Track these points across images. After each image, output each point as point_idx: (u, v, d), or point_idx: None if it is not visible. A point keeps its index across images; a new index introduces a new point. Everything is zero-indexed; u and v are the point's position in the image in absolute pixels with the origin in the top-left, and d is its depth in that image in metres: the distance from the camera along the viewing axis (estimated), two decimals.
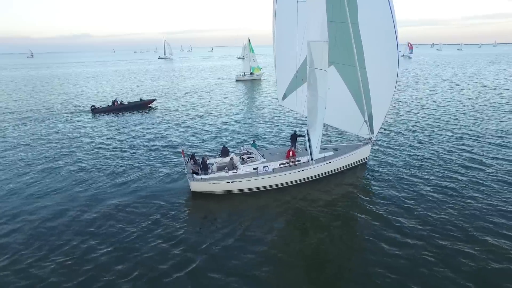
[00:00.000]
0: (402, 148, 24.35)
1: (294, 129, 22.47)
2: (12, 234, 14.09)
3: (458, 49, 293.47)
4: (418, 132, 28.28)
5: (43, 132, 30.49)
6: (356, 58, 18.82)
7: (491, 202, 15.97)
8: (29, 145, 26.64)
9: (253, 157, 18.80)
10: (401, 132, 28.24)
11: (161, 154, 23.98)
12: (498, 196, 16.53)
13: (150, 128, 31.55)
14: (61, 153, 24.41)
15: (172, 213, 15.55)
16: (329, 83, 20.96)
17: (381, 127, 21.58)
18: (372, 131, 20.93)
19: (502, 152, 22.80)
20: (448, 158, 21.87)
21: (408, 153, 23.29)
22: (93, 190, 18.20)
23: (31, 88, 65.11)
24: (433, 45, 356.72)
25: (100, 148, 25.70)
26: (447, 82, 61.63)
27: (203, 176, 17.06)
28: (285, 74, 23.15)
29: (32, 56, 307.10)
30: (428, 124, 30.78)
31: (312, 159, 18.14)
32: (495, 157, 21.81)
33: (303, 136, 18.82)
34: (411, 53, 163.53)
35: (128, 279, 11.31)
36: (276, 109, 38.32)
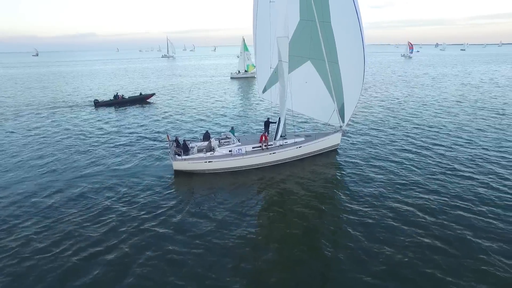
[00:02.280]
0: (372, 138, 26.48)
1: (268, 116, 24.73)
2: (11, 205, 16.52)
3: (462, 49, 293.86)
4: (389, 124, 30.42)
5: (49, 123, 33.15)
6: (324, 54, 20.84)
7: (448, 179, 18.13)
8: (38, 134, 29.25)
9: (229, 141, 21.10)
10: (372, 124, 30.38)
11: (154, 141, 26.50)
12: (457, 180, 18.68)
13: (147, 120, 34.12)
14: (67, 141, 26.85)
15: (157, 188, 17.81)
16: (306, 77, 23.31)
17: (358, 122, 23.67)
18: (343, 120, 23.06)
19: (457, 141, 24.92)
20: (411, 144, 24.05)
21: (376, 141, 25.41)
22: (93, 167, 20.99)
23: (36, 85, 68.08)
24: (437, 45, 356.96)
25: (101, 136, 28.27)
26: (432, 80, 63.75)
27: (184, 157, 19.39)
28: (264, 69, 25.30)
29: (37, 55, 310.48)
30: (399, 117, 32.94)
31: (275, 139, 20.47)
32: (450, 144, 23.93)
33: (275, 123, 21.08)
34: (411, 52, 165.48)
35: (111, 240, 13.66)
36: (262, 103, 40.79)
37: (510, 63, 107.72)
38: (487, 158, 21.21)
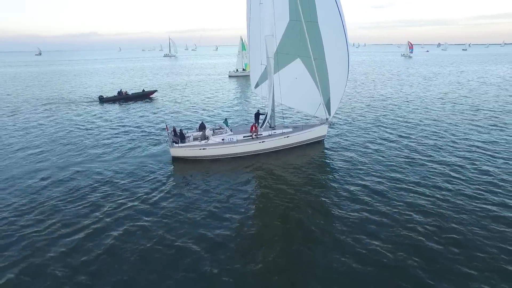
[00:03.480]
0: (357, 130, 28.33)
1: (258, 108, 26.65)
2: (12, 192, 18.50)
3: (463, 49, 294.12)
4: (372, 118, 32.28)
5: (58, 117, 35.22)
6: (311, 52, 22.62)
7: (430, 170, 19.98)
8: (47, 127, 31.30)
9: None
10: (358, 118, 32.24)
11: (154, 132, 28.66)
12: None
13: (149, 114, 36.24)
14: (74, 133, 28.79)
15: (156, 172, 19.76)
16: (296, 73, 25.14)
17: (345, 117, 25.42)
18: (329, 113, 24.88)
19: (437, 139, 26.75)
20: (391, 137, 25.90)
21: (360, 133, 27.28)
22: (100, 153, 23.05)
23: (41, 83, 70.50)
24: (439, 45, 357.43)
25: (106, 128, 30.37)
26: (422, 79, 65.70)
27: (180, 144, 21.32)
28: (256, 66, 27.15)
29: (40, 54, 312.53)
30: (382, 113, 34.85)
31: (260, 127, 22.70)
32: (432, 141, 25.77)
33: (265, 114, 22.98)
34: (411, 52, 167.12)
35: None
36: (256, 98, 42.83)
37: (507, 63, 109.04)
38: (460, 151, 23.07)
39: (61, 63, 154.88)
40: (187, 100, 44.28)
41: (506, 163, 20.17)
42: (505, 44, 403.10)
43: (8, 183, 18.51)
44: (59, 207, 15.80)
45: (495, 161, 20.55)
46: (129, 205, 15.84)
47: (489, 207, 15.08)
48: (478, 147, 23.26)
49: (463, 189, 16.90)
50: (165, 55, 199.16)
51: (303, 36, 22.26)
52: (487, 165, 19.85)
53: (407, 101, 41.24)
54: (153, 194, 16.99)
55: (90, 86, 63.11)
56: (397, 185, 17.42)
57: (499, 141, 24.60)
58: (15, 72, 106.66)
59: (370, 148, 23.45)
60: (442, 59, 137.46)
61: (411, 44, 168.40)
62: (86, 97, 48.86)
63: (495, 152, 22.07)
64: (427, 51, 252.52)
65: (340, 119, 32.00)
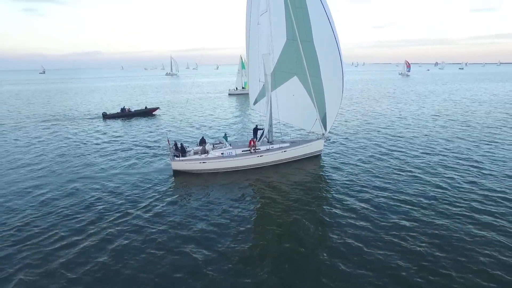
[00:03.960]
0: (352, 145, 29.24)
1: (256, 124, 27.62)
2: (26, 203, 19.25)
3: (460, 68, 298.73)
4: (367, 134, 33.22)
5: (62, 133, 36.29)
6: (307, 70, 23.74)
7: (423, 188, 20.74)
8: (52, 142, 32.22)
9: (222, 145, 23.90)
10: (354, 135, 33.19)
11: (157, 147, 29.56)
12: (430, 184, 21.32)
13: (151, 130, 37.28)
14: (78, 148, 29.75)
15: (157, 184, 20.57)
16: (293, 90, 26.21)
17: (341, 133, 26.38)
18: (325, 129, 25.80)
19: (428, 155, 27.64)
20: (384, 152, 26.77)
21: (356, 148, 28.17)
22: (103, 167, 23.83)
23: (45, 99, 72.02)
24: (436, 64, 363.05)
25: (109, 143, 31.31)
26: (416, 96, 67.51)
27: (181, 158, 22.16)
28: (255, 83, 28.32)
29: (44, 72, 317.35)
30: (377, 129, 35.83)
31: (258, 140, 23.73)
32: (423, 155, 26.64)
33: (262, 129, 23.93)
34: (409, 71, 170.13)
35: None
36: (254, 114, 44.05)
37: (501, 81, 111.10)
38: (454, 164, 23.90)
39: (64, 81, 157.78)
40: (188, 117, 45.56)
41: (492, 175, 20.98)
42: (501, 63, 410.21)
43: (10, 195, 19.24)
44: (61, 217, 16.47)
45: (482, 173, 21.37)
46: (130, 216, 16.53)
47: (475, 215, 15.82)
48: (465, 160, 24.16)
49: (454, 200, 17.65)
50: (167, 74, 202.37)
51: (300, 55, 23.29)
52: (475, 177, 20.65)
53: (400, 118, 42.36)
54: (154, 205, 17.66)
55: (93, 103, 64.61)
56: (390, 197, 18.18)
57: (487, 155, 25.47)
58: (18, 89, 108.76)
59: (365, 162, 24.26)
60: (438, 78, 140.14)
61: (408, 63, 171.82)
62: (89, 113, 50.22)
63: (483, 165, 22.92)
64: (428, 70, 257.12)
65: (336, 134, 32.91)
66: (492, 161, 23.99)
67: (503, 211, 16.25)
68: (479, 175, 21.18)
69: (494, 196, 17.96)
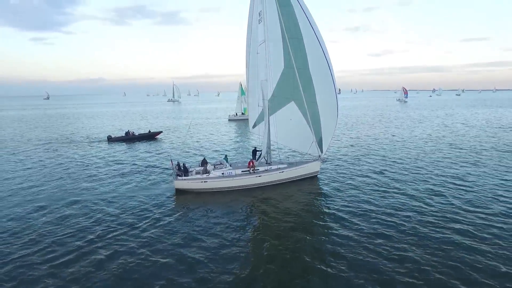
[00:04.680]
0: (348, 166, 30.40)
1: (255, 146, 28.92)
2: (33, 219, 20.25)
3: (457, 94, 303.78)
4: (363, 156, 34.47)
5: (69, 155, 37.60)
6: (303, 96, 25.17)
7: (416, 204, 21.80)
8: (59, 164, 33.47)
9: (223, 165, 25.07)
10: (349, 157, 34.43)
11: (160, 168, 30.79)
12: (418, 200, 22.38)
13: (155, 152, 38.59)
14: (85, 170, 30.88)
15: (160, 202, 21.59)
16: (291, 115, 27.60)
17: (337, 155, 27.65)
18: (321, 151, 27.00)
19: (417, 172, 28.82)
20: (377, 172, 27.90)
21: (352, 169, 29.30)
22: (108, 187, 24.85)
23: (49, 124, 73.87)
24: (434, 90, 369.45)
25: (114, 164, 32.53)
26: (410, 121, 69.80)
27: (184, 178, 23.28)
28: (254, 108, 29.79)
29: (48, 98, 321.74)
30: (372, 151, 37.17)
31: (256, 161, 25.14)
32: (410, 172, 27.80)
33: (260, 151, 25.18)
34: (406, 97, 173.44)
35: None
36: (253, 137, 45.52)
37: (496, 107, 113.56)
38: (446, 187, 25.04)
39: (67, 107, 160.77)
40: (190, 140, 47.09)
41: (475, 196, 22.06)
42: (497, 90, 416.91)
43: (10, 214, 19.95)
44: (60, 234, 17.11)
45: (466, 193, 22.45)
46: (133, 232, 17.36)
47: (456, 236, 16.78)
48: (449, 181, 25.23)
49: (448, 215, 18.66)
50: (169, 100, 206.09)
51: (296, 82, 24.68)
52: (456, 197, 21.73)
53: (393, 141, 43.82)
54: (156, 222, 18.49)
55: (97, 127, 66.49)
56: (380, 212, 19.20)
57: (471, 175, 26.62)
58: (22, 114, 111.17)
59: (360, 182, 25.33)
60: (434, 104, 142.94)
61: (405, 89, 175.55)
62: (95, 137, 51.87)
63: (467, 186, 23.98)
64: (430, 96, 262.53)
65: (333, 156, 34.11)
66: (474, 179, 25.26)
67: (479, 223, 17.45)
68: (462, 195, 22.22)
69: (469, 213, 19.04)
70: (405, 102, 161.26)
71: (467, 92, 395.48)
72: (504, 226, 17.17)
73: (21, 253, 15.30)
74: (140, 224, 18.23)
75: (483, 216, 18.53)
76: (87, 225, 18.23)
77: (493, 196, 21.64)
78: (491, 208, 19.56)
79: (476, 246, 15.29)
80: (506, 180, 25.20)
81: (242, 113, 75.08)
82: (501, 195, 21.80)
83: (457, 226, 17.40)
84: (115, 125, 71.76)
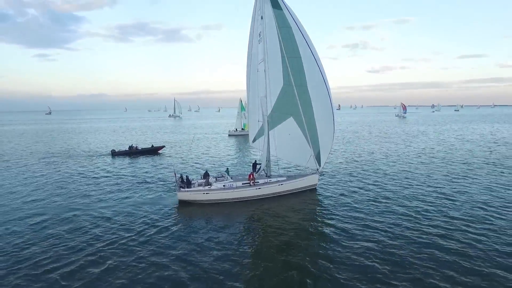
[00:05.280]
0: (345, 179, 31.34)
1: (255, 159, 29.92)
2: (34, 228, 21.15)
3: (455, 110, 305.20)
4: (359, 169, 35.46)
5: (74, 168, 38.64)
6: (301, 111, 26.17)
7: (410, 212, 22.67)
8: (65, 176, 34.50)
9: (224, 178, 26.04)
10: (346, 170, 35.42)
11: (163, 180, 31.82)
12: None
13: (158, 166, 39.71)
14: (89, 180, 31.99)
15: (163, 212, 22.49)
16: (289, 130, 28.64)
17: (334, 168, 28.59)
18: (319, 164, 27.94)
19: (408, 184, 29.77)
20: (373, 182, 28.83)
21: (350, 182, 30.24)
22: (113, 198, 25.83)
23: (54, 138, 75.23)
24: (433, 106, 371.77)
25: (118, 177, 33.49)
26: (406, 135, 71.56)
27: (186, 189, 24.23)
28: (254, 123, 30.79)
29: (50, 113, 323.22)
30: (368, 164, 38.31)
31: (256, 173, 26.17)
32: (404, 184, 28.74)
33: (260, 164, 26.19)
34: (405, 113, 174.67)
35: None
36: (253, 151, 46.64)
37: (494, 123, 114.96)
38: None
39: (68, 122, 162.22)
40: (192, 154, 48.38)
41: (458, 204, 23.21)
42: (495, 105, 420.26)
43: (13, 225, 20.61)
44: (65, 243, 17.80)
45: (458, 205, 23.38)
46: (139, 240, 18.18)
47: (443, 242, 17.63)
48: (441, 193, 26.19)
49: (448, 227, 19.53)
50: (170, 116, 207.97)
51: (295, 98, 25.63)
52: (449, 209, 22.63)
53: (387, 155, 45.01)
54: (159, 232, 19.21)
55: (102, 142, 67.92)
56: (375, 222, 20.09)
57: (463, 188, 27.54)
58: (24, 129, 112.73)
59: (358, 195, 26.25)
60: (432, 119, 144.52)
61: (404, 105, 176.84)
62: (98, 151, 53.21)
63: (457, 199, 24.87)
64: (433, 111, 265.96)
65: (330, 168, 35.10)
66: (462, 193, 26.29)
67: (465, 236, 18.13)
68: (453, 207, 23.07)
69: (457, 223, 19.98)
70: (404, 117, 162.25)
71: (466, 108, 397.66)
72: (489, 233, 18.15)
73: (28, 262, 15.89)
74: (144, 233, 19.08)
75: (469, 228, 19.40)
76: (94, 233, 19.10)
77: (483, 206, 22.73)
78: (479, 216, 20.53)
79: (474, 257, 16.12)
80: (493, 191, 26.24)
81: (242, 129, 76.18)
82: (487, 204, 22.98)
83: (456, 235, 18.25)
84: (118, 139, 73.11)
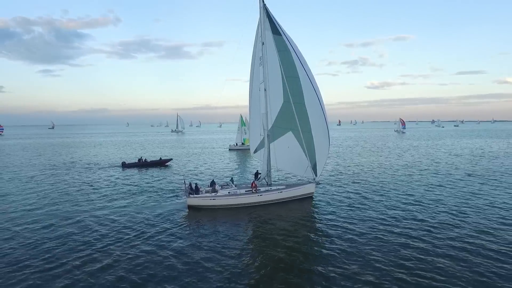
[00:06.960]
0: (339, 188, 33.93)
1: (257, 169, 32.63)
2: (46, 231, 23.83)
3: (455, 125, 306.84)
4: (352, 180, 38.09)
5: (89, 179, 41.46)
6: (299, 127, 28.71)
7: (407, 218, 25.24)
8: (80, 185, 37.37)
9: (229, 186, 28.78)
10: (340, 181, 38.03)
11: (173, 189, 34.50)
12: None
13: (166, 177, 42.41)
14: (101, 193, 34.46)
15: (174, 216, 25.10)
16: (288, 143, 31.38)
17: (330, 178, 31.10)
18: (316, 174, 30.54)
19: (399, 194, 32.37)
20: (368, 191, 31.38)
21: (344, 190, 32.82)
22: (126, 205, 28.42)
23: (59, 152, 78.20)
24: (433, 121, 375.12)
25: (130, 187, 36.12)
26: (399, 149, 75.01)
27: (195, 196, 26.94)
28: (256, 135, 33.43)
29: (53, 128, 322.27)
30: (361, 175, 40.90)
31: (256, 180, 28.72)
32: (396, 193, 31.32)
33: (261, 173, 28.96)
34: (404, 128, 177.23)
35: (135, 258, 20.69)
36: (254, 162, 49.10)
37: (493, 138, 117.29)
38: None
39: (71, 136, 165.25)
40: (198, 166, 51.64)
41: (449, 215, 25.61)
42: (495, 121, 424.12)
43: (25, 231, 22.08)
44: (78, 247, 19.11)
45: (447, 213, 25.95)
46: (150, 241, 20.14)
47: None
48: (424, 202, 28.75)
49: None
50: (172, 131, 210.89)
51: (293, 114, 28.14)
52: (425, 215, 25.18)
53: (381, 167, 47.75)
54: (170, 233, 21.48)
55: (111, 154, 71.14)
56: (367, 228, 22.63)
57: (436, 197, 30.06)
58: (26, 143, 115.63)
59: (352, 200, 28.83)
60: (430, 134, 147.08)
61: (403, 121, 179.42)
62: (109, 163, 56.36)
63: (430, 205, 27.46)
64: (443, 127, 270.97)
65: (326, 178, 37.70)
66: (436, 200, 28.78)
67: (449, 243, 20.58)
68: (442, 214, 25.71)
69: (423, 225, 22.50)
70: (403, 133, 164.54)
71: (466, 123, 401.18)
72: (475, 241, 20.62)
73: (37, 264, 17.07)
74: (156, 235, 21.18)
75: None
76: (104, 233, 21.51)
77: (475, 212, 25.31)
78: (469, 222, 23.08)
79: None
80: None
81: (242, 143, 78.23)
82: (470, 209, 25.49)
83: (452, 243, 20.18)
84: (126, 153, 76.26)
